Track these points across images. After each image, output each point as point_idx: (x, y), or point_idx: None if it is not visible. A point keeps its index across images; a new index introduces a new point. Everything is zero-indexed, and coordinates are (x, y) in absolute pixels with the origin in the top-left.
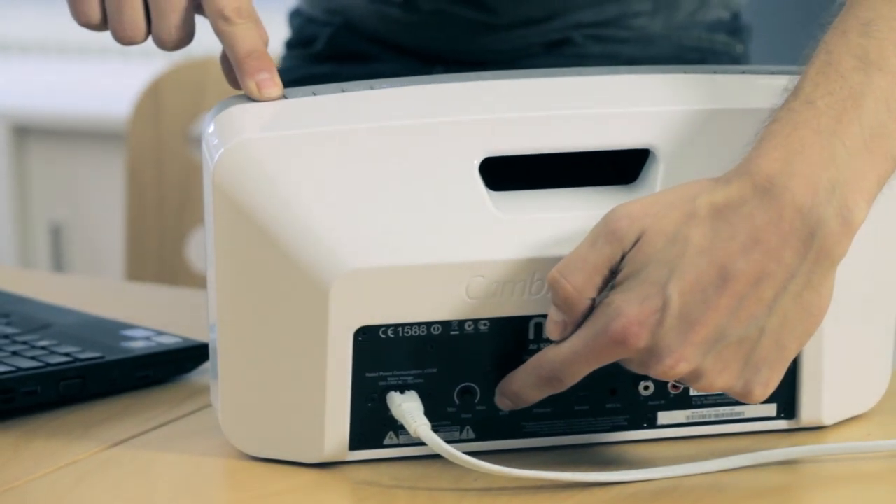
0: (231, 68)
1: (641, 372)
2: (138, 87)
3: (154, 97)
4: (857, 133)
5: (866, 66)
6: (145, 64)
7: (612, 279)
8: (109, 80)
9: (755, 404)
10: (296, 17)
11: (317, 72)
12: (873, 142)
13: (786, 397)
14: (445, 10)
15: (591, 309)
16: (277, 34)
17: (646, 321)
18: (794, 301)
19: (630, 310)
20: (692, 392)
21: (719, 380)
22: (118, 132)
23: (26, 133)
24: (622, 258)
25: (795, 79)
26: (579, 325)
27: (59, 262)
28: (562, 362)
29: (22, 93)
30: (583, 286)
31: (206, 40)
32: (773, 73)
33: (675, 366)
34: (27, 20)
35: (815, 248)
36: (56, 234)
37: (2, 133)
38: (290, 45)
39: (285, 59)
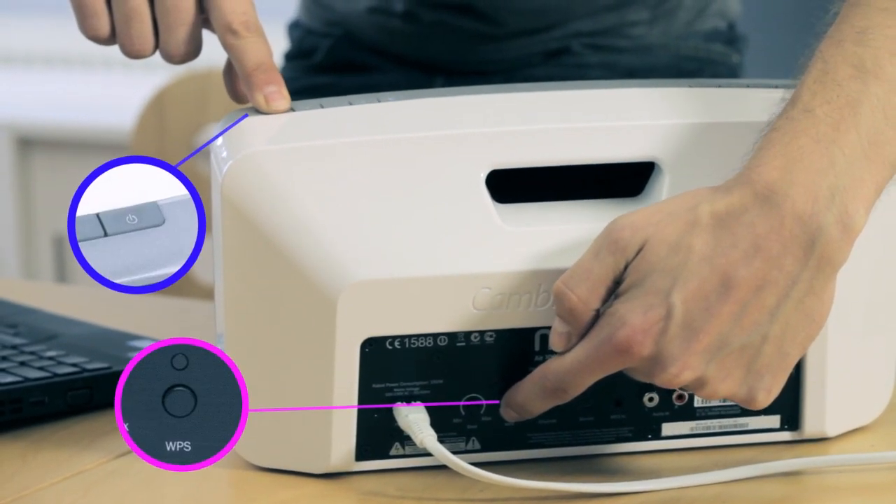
0: (234, 82)
1: (646, 380)
2: (142, 99)
3: (158, 109)
4: (855, 140)
5: (862, 74)
6: (149, 76)
7: (615, 289)
8: (113, 91)
9: (758, 410)
10: (295, 28)
11: (317, 82)
12: (871, 149)
13: (789, 409)
14: (446, 20)
15: (596, 320)
16: (277, 46)
17: (650, 330)
18: (796, 308)
19: (634, 319)
20: (696, 403)
21: (723, 387)
22: (122, 144)
23: (30, 145)
24: (625, 268)
25: (792, 88)
26: (583, 335)
27: (62, 274)
28: (566, 373)
29: (26, 104)
30: (587, 297)
31: (209, 52)
32: (777, 86)
33: (680, 374)
34: (31, 32)
35: (815, 254)
36: (60, 246)
37: (6, 145)
38: (290, 56)
39: (285, 70)
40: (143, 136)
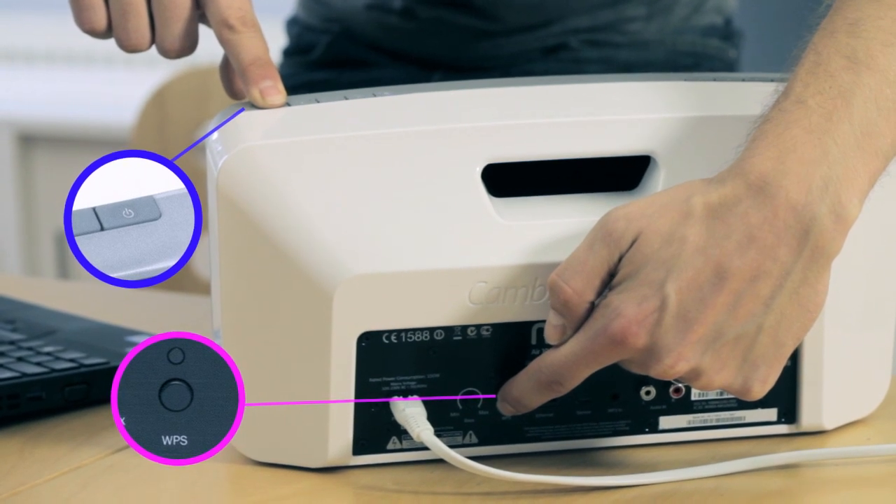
0: (230, 78)
1: (641, 372)
2: (143, 95)
3: (158, 105)
4: (847, 131)
5: (855, 65)
6: (150, 72)
7: (610, 281)
8: (114, 88)
9: (754, 402)
10: (293, 25)
11: (315, 78)
12: (864, 139)
13: (786, 402)
14: (444, 17)
15: (591, 312)
16: (275, 42)
17: (644, 321)
18: (791, 298)
19: (628, 310)
20: (693, 397)
21: (718, 378)
22: (123, 140)
23: (31, 141)
24: (620, 260)
25: (786, 80)
26: (578, 328)
27: (64, 270)
28: (561, 365)
29: (27, 101)
30: (582, 289)
31: (209, 48)
32: (772, 80)
33: (675, 365)
34: (31, 29)
35: (809, 245)
36: (61, 242)
37: (7, 141)
38: (288, 52)
39: (283, 66)
40: (144, 132)
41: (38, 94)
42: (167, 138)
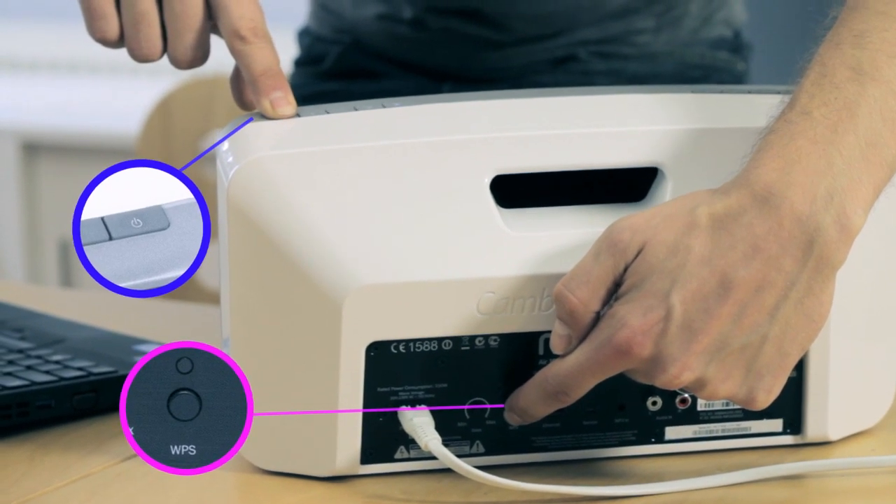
0: (240, 90)
1: (646, 382)
2: (148, 104)
3: (163, 114)
4: (852, 142)
5: (860, 76)
6: (155, 81)
7: (615, 291)
8: (119, 97)
9: (760, 413)
10: (304, 35)
11: (326, 89)
12: (869, 150)
13: (792, 413)
14: (454, 27)
15: (596, 322)
16: (286, 53)
17: (649, 331)
18: (796, 308)
19: (633, 320)
20: (699, 407)
21: (723, 387)
22: (128, 149)
23: (36, 150)
24: (625, 270)
25: (791, 91)
26: (584, 338)
27: (68, 279)
28: (567, 375)
29: (31, 110)
30: (588, 299)
31: (215, 57)
32: (779, 92)
33: (680, 375)
34: (37, 38)
35: (814, 255)
36: (65, 251)
37: (12, 150)
38: (299, 63)
39: (294, 76)
40: (148, 141)
41: (42, 103)
42: (172, 147)
